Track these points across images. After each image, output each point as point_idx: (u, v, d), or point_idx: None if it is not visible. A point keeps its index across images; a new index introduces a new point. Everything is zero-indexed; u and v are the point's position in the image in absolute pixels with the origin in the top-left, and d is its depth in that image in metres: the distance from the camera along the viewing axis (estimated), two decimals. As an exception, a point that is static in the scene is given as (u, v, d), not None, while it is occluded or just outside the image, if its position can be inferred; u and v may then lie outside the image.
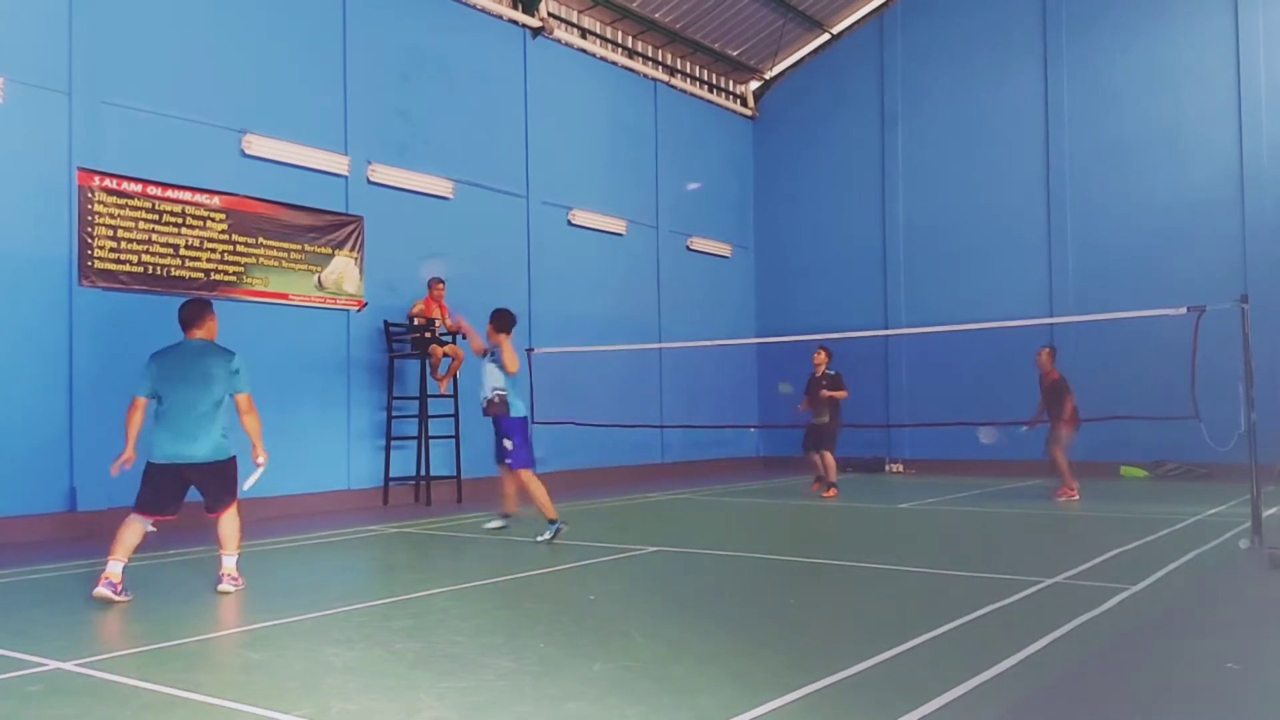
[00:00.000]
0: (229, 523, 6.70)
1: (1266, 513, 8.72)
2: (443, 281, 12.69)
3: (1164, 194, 15.85)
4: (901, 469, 17.51)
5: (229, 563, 6.69)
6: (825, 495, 13.06)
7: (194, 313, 6.88)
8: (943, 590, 6.49)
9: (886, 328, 17.60)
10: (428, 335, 12.37)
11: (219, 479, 6.64)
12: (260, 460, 6.75)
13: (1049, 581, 6.51)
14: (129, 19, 10.49)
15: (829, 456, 13.33)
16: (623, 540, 8.84)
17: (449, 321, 12.73)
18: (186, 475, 6.57)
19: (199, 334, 6.83)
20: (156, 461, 6.52)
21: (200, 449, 6.53)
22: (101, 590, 6.18)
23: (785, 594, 6.55)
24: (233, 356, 6.74)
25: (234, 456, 6.73)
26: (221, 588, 6.56)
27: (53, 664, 4.74)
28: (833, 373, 13.54)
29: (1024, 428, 12.88)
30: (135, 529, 6.48)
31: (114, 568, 6.29)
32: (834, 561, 7.87)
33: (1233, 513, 10.21)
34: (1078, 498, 12.01)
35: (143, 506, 6.54)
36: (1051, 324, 15.05)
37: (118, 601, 6.20)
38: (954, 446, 16.56)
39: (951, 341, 15.43)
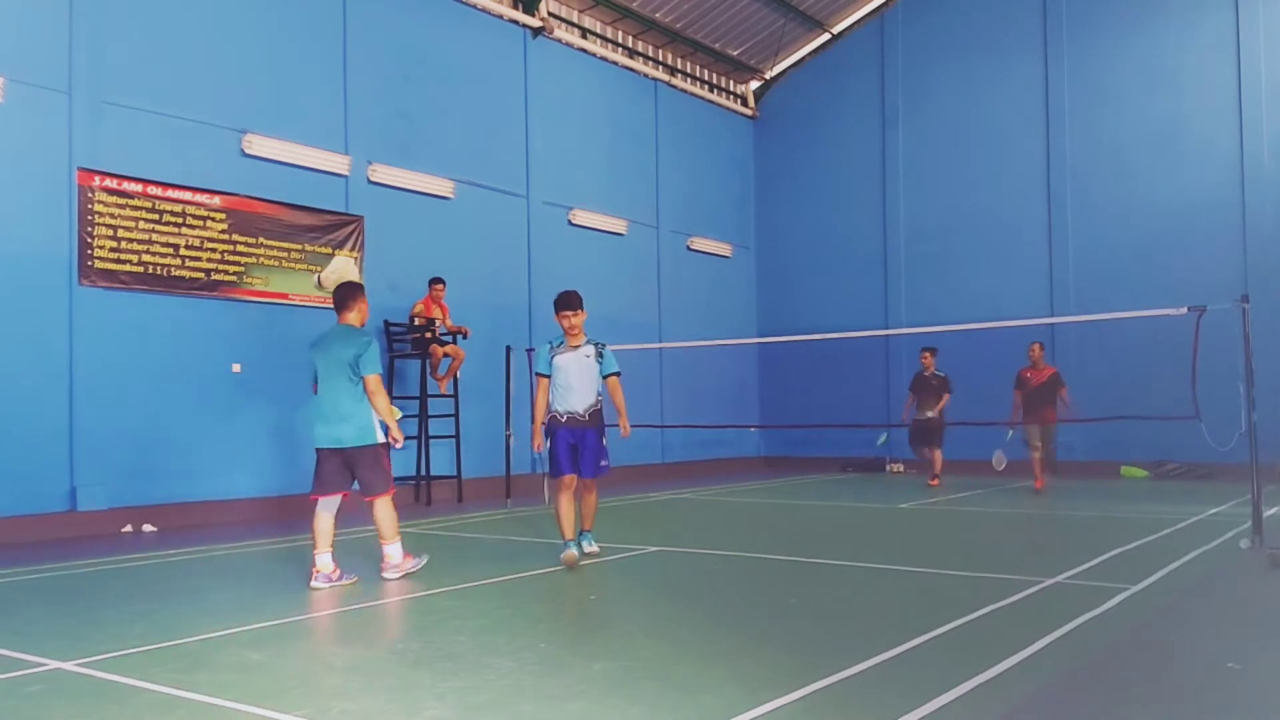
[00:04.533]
0: (379, 510, 6.87)
1: (1267, 513, 8.72)
2: (443, 282, 12.69)
3: (1164, 194, 15.84)
4: (901, 469, 17.50)
5: (388, 550, 6.89)
6: (931, 483, 14.32)
7: (340, 297, 7.05)
8: (943, 590, 6.49)
9: (886, 328, 17.59)
10: (428, 335, 12.37)
11: (363, 464, 6.78)
12: (393, 440, 6.87)
13: (1049, 581, 6.51)
14: (129, 19, 10.50)
15: (938, 453, 14.56)
16: (623, 540, 8.83)
17: (450, 322, 12.74)
18: (342, 459, 6.78)
19: (347, 317, 6.97)
20: (316, 445, 6.85)
21: (345, 433, 6.73)
22: (315, 584, 6.63)
23: (786, 594, 6.55)
24: (358, 340, 6.79)
25: (379, 444, 6.83)
26: (383, 575, 6.86)
27: (53, 664, 4.74)
28: (942, 374, 14.57)
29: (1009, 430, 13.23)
30: (318, 515, 6.78)
31: (321, 560, 6.68)
32: (834, 561, 7.86)
33: (1233, 513, 10.21)
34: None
35: (314, 488, 6.85)
36: (1052, 324, 15.04)
37: (342, 586, 6.65)
38: (954, 446, 16.53)
39: (951, 341, 15.41)
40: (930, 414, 14.38)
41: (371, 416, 6.80)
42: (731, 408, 18.86)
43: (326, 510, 6.85)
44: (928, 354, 14.66)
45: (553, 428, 7.63)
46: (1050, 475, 13.54)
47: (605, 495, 13.79)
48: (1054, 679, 4.33)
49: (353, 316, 6.98)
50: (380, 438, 6.87)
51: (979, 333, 13.85)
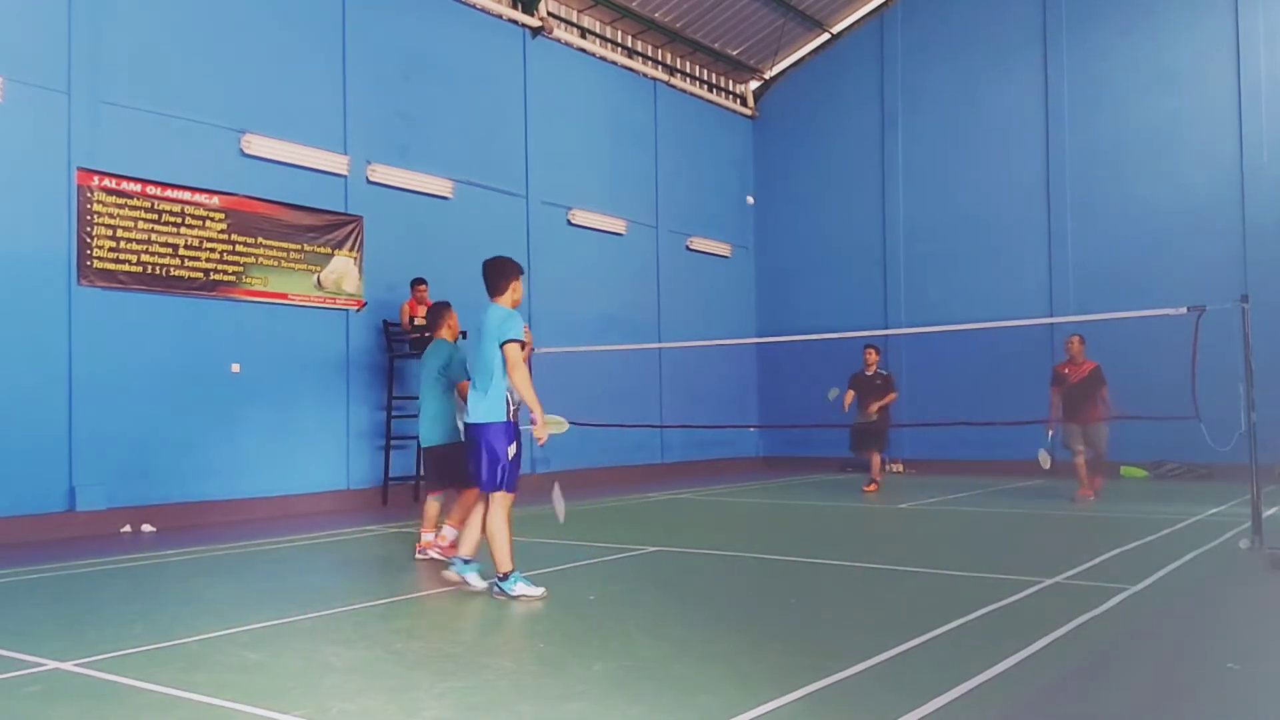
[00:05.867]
0: (466, 499, 7.40)
1: (1266, 513, 8.71)
2: (425, 282, 12.66)
3: (1164, 193, 15.83)
4: (901, 469, 17.49)
5: (447, 532, 7.54)
6: (866, 489, 13.44)
7: (430, 317, 8.11)
8: (943, 590, 6.49)
9: (886, 328, 17.58)
10: (427, 335, 12.34)
11: (440, 462, 7.61)
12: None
13: (1049, 581, 6.51)
14: (129, 19, 10.49)
15: (877, 456, 13.80)
16: (623, 540, 8.83)
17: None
18: (433, 455, 7.70)
19: (440, 333, 7.93)
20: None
21: (426, 434, 7.66)
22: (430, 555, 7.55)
23: (785, 594, 6.55)
24: (445, 352, 7.67)
25: (456, 444, 7.38)
26: (429, 552, 7.64)
27: (52, 664, 4.74)
28: (885, 372, 13.97)
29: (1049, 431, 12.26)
30: (428, 502, 7.89)
31: (427, 538, 7.63)
32: (834, 561, 7.86)
33: (1233, 513, 10.21)
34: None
35: (423, 482, 8.12)
36: (1052, 324, 15.04)
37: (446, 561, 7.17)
38: (954, 446, 16.55)
39: (951, 341, 15.41)
40: (873, 415, 13.35)
41: (455, 419, 7.52)
42: (731, 408, 18.84)
43: (434, 500, 7.83)
44: (871, 350, 13.70)
45: (518, 427, 6.28)
46: (1102, 480, 12.28)
47: (605, 494, 13.83)
48: (1054, 679, 4.33)
49: (444, 332, 7.90)
50: (455, 439, 7.50)
51: (979, 333, 13.84)
